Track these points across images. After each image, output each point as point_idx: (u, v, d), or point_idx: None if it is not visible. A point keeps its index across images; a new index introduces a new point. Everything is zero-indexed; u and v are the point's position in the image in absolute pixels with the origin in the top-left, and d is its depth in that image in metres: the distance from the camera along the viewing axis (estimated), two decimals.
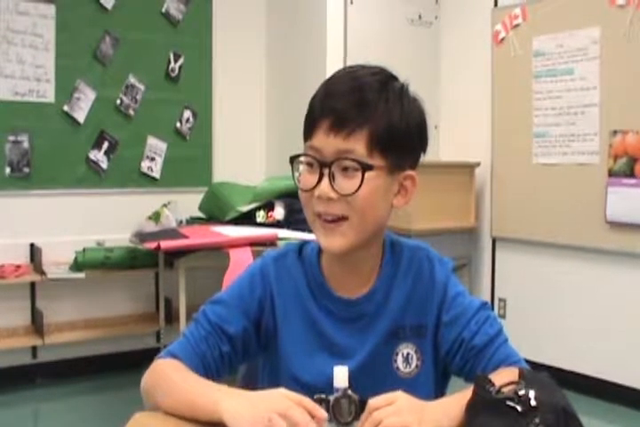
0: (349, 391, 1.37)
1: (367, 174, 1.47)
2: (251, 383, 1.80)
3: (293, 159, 1.56)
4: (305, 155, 1.53)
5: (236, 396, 1.38)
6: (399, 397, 1.33)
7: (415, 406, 1.33)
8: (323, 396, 1.38)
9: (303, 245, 1.73)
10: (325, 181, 1.48)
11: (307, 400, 1.31)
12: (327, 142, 1.48)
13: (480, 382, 1.31)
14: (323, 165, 1.49)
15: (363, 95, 1.50)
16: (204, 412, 1.37)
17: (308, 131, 1.53)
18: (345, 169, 1.48)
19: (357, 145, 1.47)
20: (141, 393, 1.56)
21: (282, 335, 1.64)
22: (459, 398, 1.38)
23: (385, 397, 1.33)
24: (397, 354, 1.62)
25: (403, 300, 1.63)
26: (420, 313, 1.63)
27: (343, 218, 1.50)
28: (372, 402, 1.31)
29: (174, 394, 1.45)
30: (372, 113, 1.49)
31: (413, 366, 1.63)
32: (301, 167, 1.54)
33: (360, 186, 1.47)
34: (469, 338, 1.58)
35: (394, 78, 1.57)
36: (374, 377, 1.58)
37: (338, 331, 1.62)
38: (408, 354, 1.63)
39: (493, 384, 1.29)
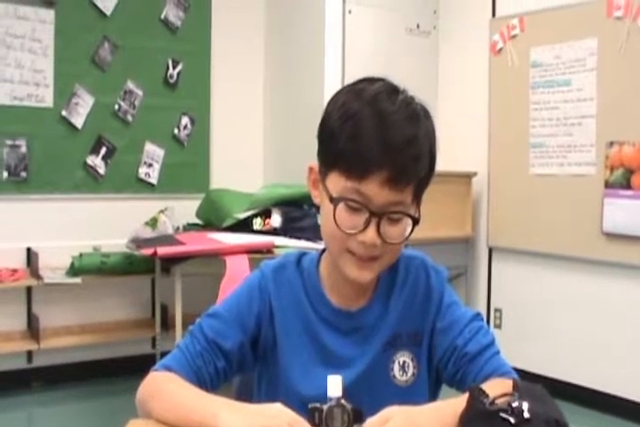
0: (343, 401, 1.37)
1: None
2: (246, 394, 1.80)
3: (338, 201, 1.48)
4: (352, 200, 1.46)
5: (234, 409, 1.36)
6: (392, 414, 1.32)
7: (409, 419, 1.32)
8: (317, 405, 1.37)
9: (301, 256, 1.72)
10: (373, 229, 1.46)
11: (301, 422, 1.31)
12: (381, 194, 1.44)
13: (474, 393, 1.32)
14: (372, 214, 1.46)
15: (419, 147, 1.48)
16: (201, 424, 1.36)
17: (357, 174, 1.45)
18: (390, 218, 1.48)
19: (407, 197, 1.48)
20: (137, 405, 1.55)
21: (281, 348, 1.63)
22: (451, 403, 1.38)
23: (378, 417, 1.32)
24: (394, 362, 1.62)
25: (400, 310, 1.64)
26: (417, 321, 1.64)
27: (377, 258, 1.52)
28: (366, 425, 1.31)
29: (172, 407, 1.45)
30: (422, 166, 1.49)
31: (410, 374, 1.63)
32: (340, 207, 1.48)
33: (408, 237, 1.50)
34: (462, 345, 1.58)
35: (423, 113, 1.53)
36: (371, 386, 1.58)
37: (337, 342, 1.62)
38: (404, 362, 1.63)
39: (487, 395, 1.29)
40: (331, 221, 1.49)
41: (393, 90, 1.52)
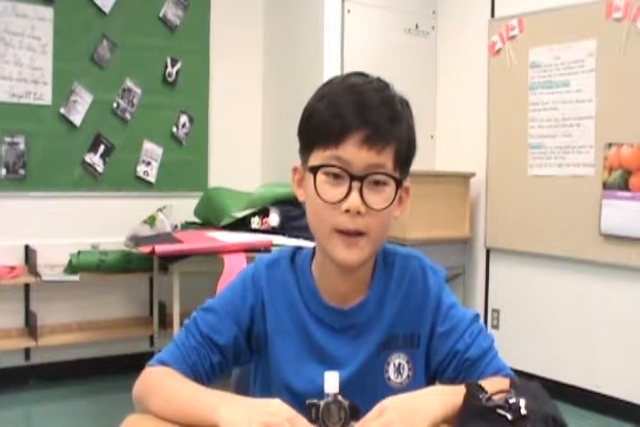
0: (339, 397, 1.37)
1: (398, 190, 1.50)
2: (244, 386, 1.80)
3: (317, 169, 1.49)
4: (331, 165, 1.48)
5: (233, 403, 1.37)
6: (386, 407, 1.33)
7: (404, 410, 1.33)
8: (314, 401, 1.37)
9: (295, 251, 1.71)
10: (356, 194, 1.45)
11: (300, 418, 1.31)
12: (359, 156, 1.45)
13: (471, 389, 1.32)
14: (353, 179, 1.46)
15: (394, 109, 1.49)
16: (201, 418, 1.37)
17: (333, 140, 1.47)
18: (374, 184, 1.48)
19: (387, 160, 1.48)
20: (133, 401, 1.56)
21: (273, 343, 1.63)
22: (449, 387, 1.42)
23: (373, 411, 1.33)
24: (389, 364, 1.62)
25: (395, 309, 1.63)
26: (413, 323, 1.63)
27: (362, 233, 1.49)
28: (362, 421, 1.32)
29: (170, 401, 1.45)
30: (398, 129, 1.49)
31: (405, 376, 1.62)
32: (319, 177, 1.49)
33: (393, 201, 1.49)
34: (464, 350, 1.58)
35: (395, 91, 1.56)
36: (365, 387, 1.57)
37: (330, 340, 1.61)
38: (399, 364, 1.62)
39: (485, 391, 1.30)
40: (314, 201, 1.50)
41: (365, 74, 1.57)
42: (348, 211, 1.46)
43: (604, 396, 4.93)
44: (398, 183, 1.50)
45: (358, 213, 1.46)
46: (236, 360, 1.65)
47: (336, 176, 1.48)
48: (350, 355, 1.60)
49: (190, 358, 1.58)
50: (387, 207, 1.49)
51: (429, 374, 1.66)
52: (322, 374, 1.40)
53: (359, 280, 1.62)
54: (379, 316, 1.62)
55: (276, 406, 1.33)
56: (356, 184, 1.46)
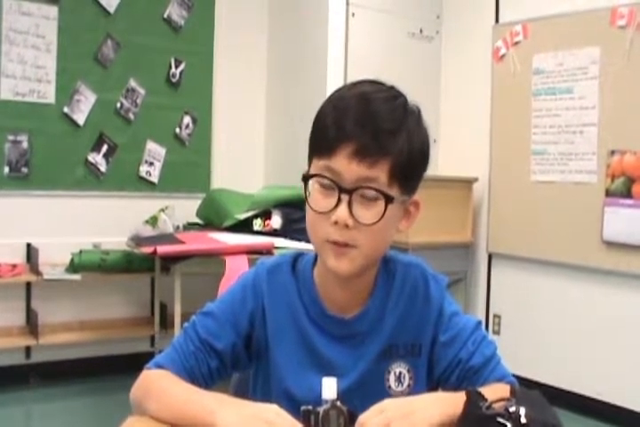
0: (338, 403, 1.36)
1: (388, 206, 1.45)
2: (243, 390, 1.79)
3: (308, 178, 1.49)
4: (322, 176, 1.46)
5: (230, 407, 1.37)
6: (386, 406, 1.33)
7: (404, 410, 1.33)
8: (310, 408, 1.36)
9: (297, 257, 1.69)
10: (344, 207, 1.43)
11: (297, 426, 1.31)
12: (349, 168, 1.42)
13: (471, 396, 1.32)
14: (342, 191, 1.43)
15: (397, 120, 1.45)
16: (198, 421, 1.36)
17: (326, 150, 1.45)
18: (365, 197, 1.44)
19: (380, 174, 1.43)
20: (131, 403, 1.55)
21: (273, 349, 1.62)
22: (449, 394, 1.42)
23: (372, 409, 1.33)
24: (390, 373, 1.61)
25: (397, 318, 1.61)
26: (415, 332, 1.62)
27: (353, 246, 1.47)
28: (362, 418, 1.31)
29: (168, 403, 1.45)
30: (396, 142, 1.44)
31: (405, 385, 1.61)
32: (312, 184, 1.48)
33: (381, 218, 1.44)
34: (467, 358, 1.57)
35: (407, 101, 1.51)
36: (366, 396, 1.51)
37: (330, 348, 1.60)
38: (400, 373, 1.61)
39: (485, 399, 1.30)
40: (308, 210, 1.50)
41: (378, 82, 1.55)
42: (336, 223, 1.45)
43: (606, 403, 4.92)
44: (388, 200, 1.45)
45: (346, 226, 1.44)
46: (234, 366, 1.64)
47: (328, 186, 1.46)
48: (350, 363, 1.59)
49: (188, 362, 1.58)
50: (376, 222, 1.45)
51: (432, 382, 1.64)
52: (321, 381, 1.40)
53: (359, 290, 1.61)
54: (380, 325, 1.61)
55: (274, 414, 1.33)
56: (344, 197, 1.43)
